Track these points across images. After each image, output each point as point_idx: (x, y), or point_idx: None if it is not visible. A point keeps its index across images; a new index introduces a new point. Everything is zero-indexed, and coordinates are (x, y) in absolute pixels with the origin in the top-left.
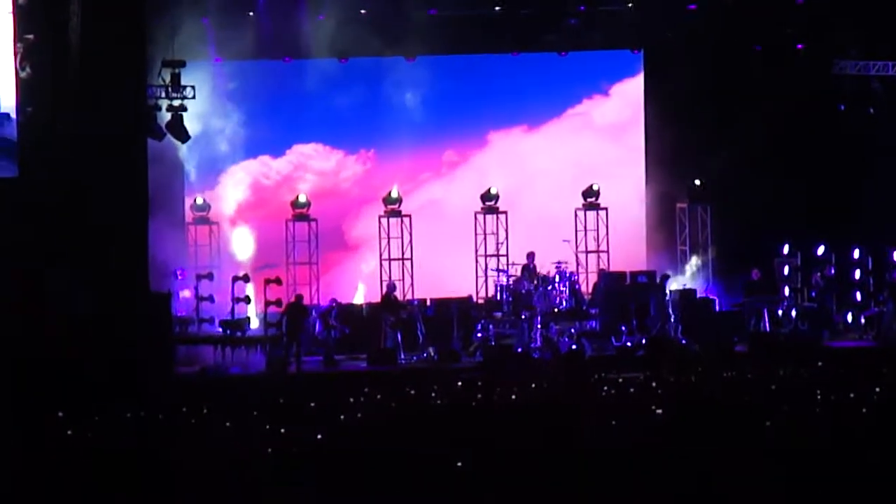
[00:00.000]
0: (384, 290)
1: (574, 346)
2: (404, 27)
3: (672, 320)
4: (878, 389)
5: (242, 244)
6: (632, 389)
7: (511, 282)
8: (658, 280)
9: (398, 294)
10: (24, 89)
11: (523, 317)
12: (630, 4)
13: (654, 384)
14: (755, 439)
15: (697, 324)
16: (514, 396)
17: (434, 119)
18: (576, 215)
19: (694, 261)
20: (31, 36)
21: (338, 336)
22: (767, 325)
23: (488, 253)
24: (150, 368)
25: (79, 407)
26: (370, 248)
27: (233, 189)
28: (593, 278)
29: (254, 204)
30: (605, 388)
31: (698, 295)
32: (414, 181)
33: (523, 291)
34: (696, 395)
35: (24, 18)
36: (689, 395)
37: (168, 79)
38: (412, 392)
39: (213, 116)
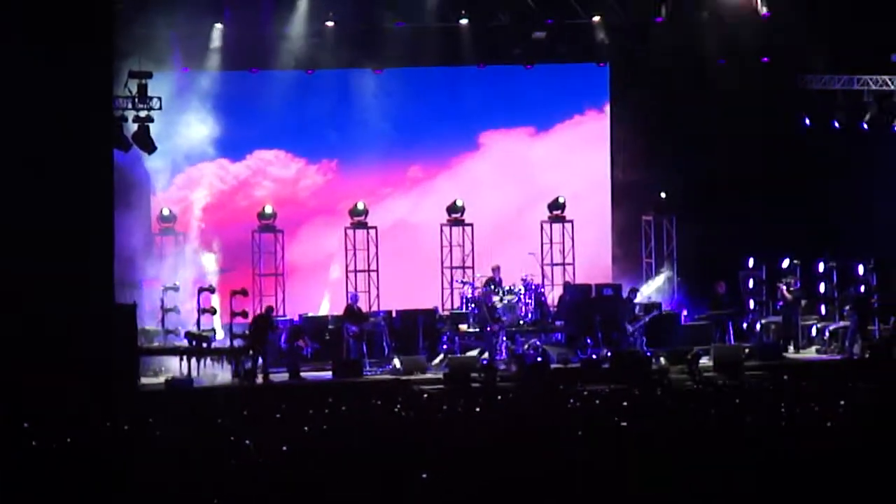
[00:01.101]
0: (348, 300)
1: (539, 359)
2: (371, 39)
3: (637, 333)
4: (842, 402)
5: (207, 255)
6: (597, 402)
7: (476, 294)
8: (626, 294)
9: (362, 305)
10: None
11: (489, 329)
12: (596, 18)
13: (619, 397)
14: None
15: (663, 337)
16: (478, 409)
17: (400, 131)
18: (541, 228)
19: (659, 274)
20: None
21: (309, 354)
22: (732, 338)
23: (454, 265)
24: (115, 380)
25: (42, 417)
26: (335, 259)
27: (188, 192)
28: (559, 291)
29: (213, 209)
30: (571, 400)
31: (664, 308)
32: (377, 195)
33: (489, 304)
34: (660, 408)
35: None
36: (655, 408)
37: (135, 90)
38: (377, 403)
39: (175, 120)
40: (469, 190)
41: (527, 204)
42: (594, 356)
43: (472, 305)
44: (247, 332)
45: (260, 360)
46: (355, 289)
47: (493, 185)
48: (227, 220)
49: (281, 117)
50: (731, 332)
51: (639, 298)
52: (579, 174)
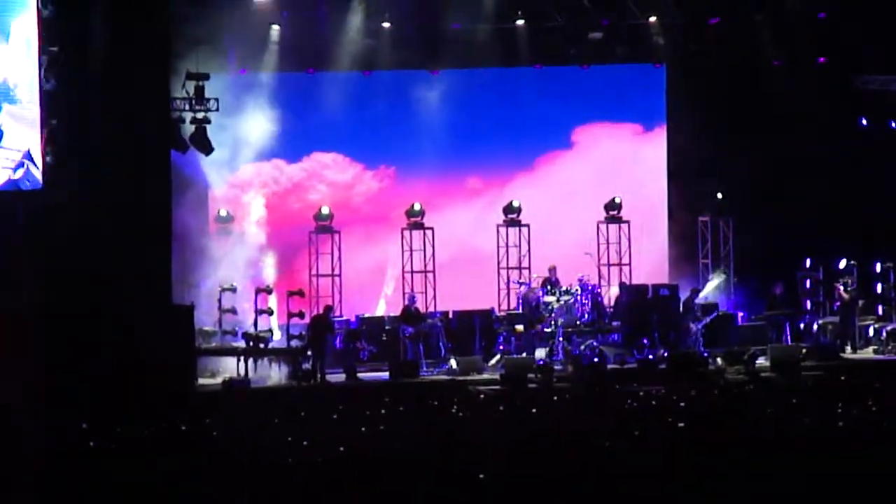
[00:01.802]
0: (404, 302)
1: (596, 359)
2: (428, 40)
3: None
4: None
5: (264, 255)
6: (653, 402)
7: (533, 295)
8: (688, 294)
9: (419, 306)
10: (49, 101)
11: (545, 329)
12: (653, 18)
13: (675, 398)
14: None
15: (720, 337)
16: (534, 410)
17: (456, 135)
18: (598, 228)
19: (716, 275)
20: (55, 48)
21: (366, 357)
22: (789, 338)
23: (510, 266)
24: (173, 380)
25: (102, 418)
26: (391, 260)
27: (244, 192)
28: (615, 291)
29: (268, 210)
30: (628, 400)
31: (720, 308)
32: (433, 203)
33: (533, 303)
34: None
35: (48, 30)
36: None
37: (192, 91)
38: (434, 404)
39: (232, 122)
40: (525, 190)
41: (583, 204)
42: (650, 357)
43: (529, 306)
44: (304, 332)
45: (318, 361)
46: (412, 289)
47: (549, 186)
48: (282, 220)
49: (338, 119)
50: (788, 332)
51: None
52: (636, 175)
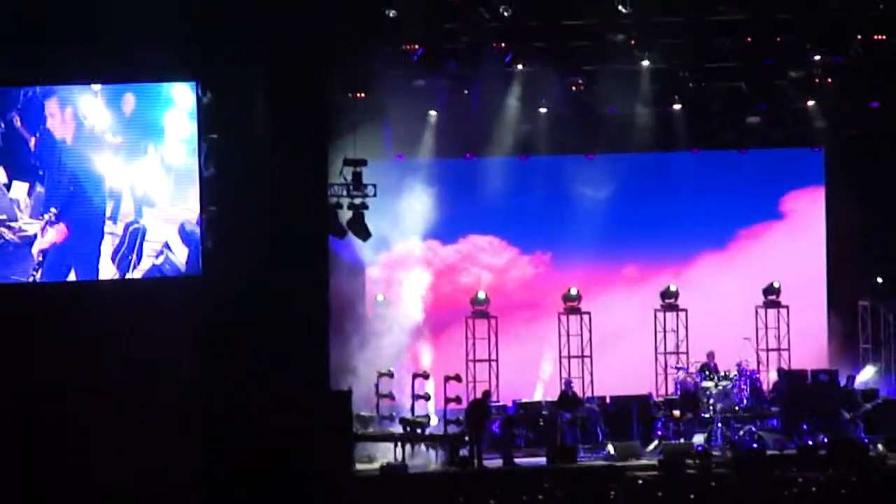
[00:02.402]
0: (561, 387)
1: (755, 445)
2: (584, 125)
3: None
4: None
5: (420, 341)
6: (813, 489)
7: (691, 380)
8: (843, 381)
9: (576, 391)
10: (208, 189)
11: (704, 415)
12: (811, 102)
13: (836, 484)
14: None
15: (881, 423)
16: (692, 496)
17: (613, 218)
18: (756, 313)
19: (874, 363)
20: (214, 135)
21: (523, 443)
22: None
23: (668, 350)
24: (331, 466)
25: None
26: (547, 346)
27: (396, 273)
28: (774, 377)
29: (422, 293)
30: (788, 486)
31: (881, 394)
32: (588, 290)
33: (703, 390)
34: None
35: (207, 118)
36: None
37: (349, 177)
38: (592, 490)
39: (388, 206)
40: (681, 274)
41: (741, 289)
42: (810, 443)
43: (687, 392)
44: (461, 417)
45: (475, 447)
46: (569, 374)
47: (706, 270)
48: (437, 304)
49: (495, 203)
50: None
51: (855, 385)
52: (794, 259)
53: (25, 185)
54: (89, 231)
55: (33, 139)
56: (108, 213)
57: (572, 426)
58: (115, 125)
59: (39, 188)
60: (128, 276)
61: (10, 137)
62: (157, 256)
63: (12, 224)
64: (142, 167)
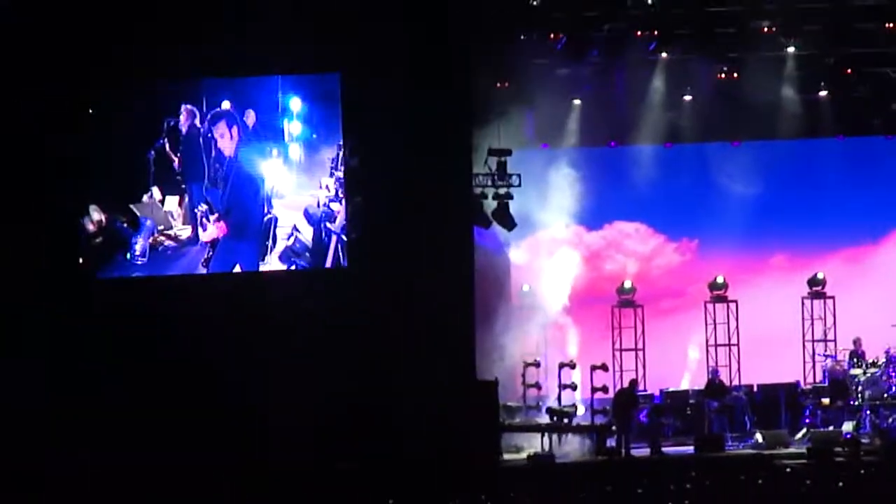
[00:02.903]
0: (708, 375)
1: None
2: (728, 112)
3: None
4: None
5: (567, 329)
6: None
7: (839, 367)
8: None
9: (723, 379)
10: (352, 178)
11: (852, 403)
12: None
13: None
14: None
15: None
16: (841, 484)
17: (759, 206)
18: None
19: None
20: (357, 126)
21: (670, 432)
22: None
23: (815, 338)
24: (478, 456)
25: (408, 494)
26: (694, 334)
27: (541, 260)
28: None
29: (567, 281)
30: None
31: None
32: (735, 278)
33: (851, 377)
34: None
35: (348, 111)
36: None
37: (494, 167)
38: (741, 478)
39: (533, 196)
40: (829, 262)
41: (888, 275)
42: None
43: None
44: (609, 407)
45: (622, 436)
46: (716, 363)
47: (854, 258)
48: (583, 293)
49: (640, 191)
50: None
51: None
52: None
53: (176, 198)
54: (246, 227)
55: (177, 160)
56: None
57: (720, 414)
58: (244, 137)
59: (187, 199)
60: (267, 257)
61: (160, 162)
62: (287, 238)
63: (169, 232)
64: (269, 167)
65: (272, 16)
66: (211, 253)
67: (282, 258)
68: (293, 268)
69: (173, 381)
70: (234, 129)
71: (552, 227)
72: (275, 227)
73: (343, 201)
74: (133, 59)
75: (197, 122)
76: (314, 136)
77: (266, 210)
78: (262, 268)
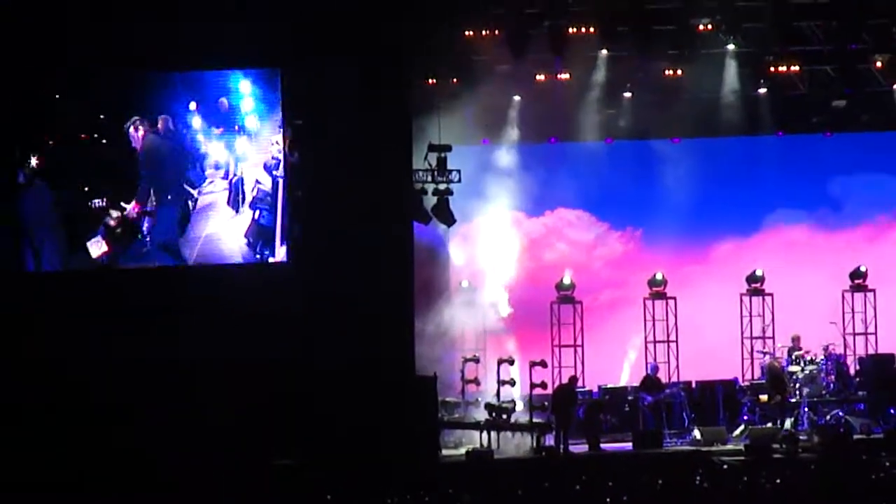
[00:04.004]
0: (647, 370)
1: (841, 430)
2: (668, 109)
3: None
4: None
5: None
6: None
7: (764, 362)
8: None
9: (662, 376)
10: (293, 174)
11: (790, 399)
12: None
13: None
14: None
15: None
16: (778, 481)
17: (700, 204)
18: (843, 297)
19: None
20: (299, 121)
21: (607, 428)
22: None
23: (754, 335)
24: (417, 452)
25: (346, 489)
26: (634, 330)
27: (481, 251)
28: (860, 361)
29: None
30: (875, 471)
31: None
32: (676, 271)
33: (789, 374)
34: None
35: (291, 104)
36: None
37: (434, 163)
38: (677, 475)
39: (474, 192)
40: (768, 259)
41: (827, 273)
42: None
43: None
44: (548, 403)
45: (561, 432)
46: (654, 359)
47: (792, 255)
48: (523, 288)
49: (582, 184)
50: None
51: None
52: (880, 242)
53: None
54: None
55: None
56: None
57: (654, 411)
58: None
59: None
60: (241, 208)
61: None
62: (252, 190)
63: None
64: (237, 142)
65: (214, 10)
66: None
67: (251, 206)
68: (260, 216)
69: (101, 376)
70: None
71: (492, 222)
72: (242, 185)
73: (282, 192)
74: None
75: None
76: (259, 125)
77: (233, 174)
78: (237, 218)
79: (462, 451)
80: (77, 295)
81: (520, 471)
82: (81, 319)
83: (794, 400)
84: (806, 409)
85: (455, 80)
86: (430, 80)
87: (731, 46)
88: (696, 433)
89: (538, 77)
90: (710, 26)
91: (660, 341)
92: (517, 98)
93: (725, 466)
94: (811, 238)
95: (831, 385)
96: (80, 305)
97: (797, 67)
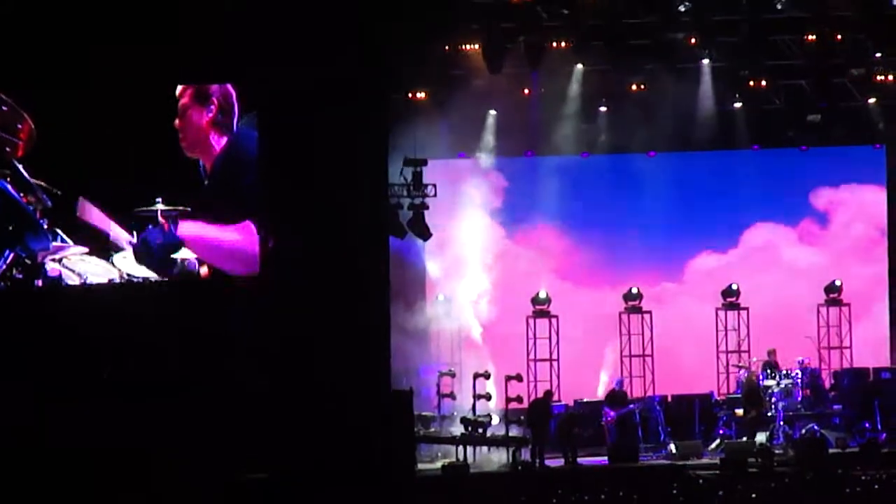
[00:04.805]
0: (614, 385)
1: (817, 444)
2: (644, 124)
3: None
4: None
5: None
6: (876, 487)
7: (741, 376)
8: None
9: (637, 390)
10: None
11: (766, 414)
12: (872, 100)
13: None
14: None
15: None
16: (754, 495)
17: (676, 215)
18: (818, 311)
19: None
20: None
21: (582, 442)
22: None
23: (729, 349)
24: (392, 466)
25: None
26: (610, 344)
27: (459, 267)
28: (836, 375)
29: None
30: (850, 484)
31: None
32: (650, 284)
33: (765, 388)
34: None
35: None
36: None
37: (410, 177)
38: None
39: (449, 205)
40: (743, 273)
41: (802, 287)
42: (873, 441)
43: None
44: (523, 417)
45: (537, 446)
46: (630, 373)
47: (768, 269)
48: (498, 301)
49: (557, 199)
50: None
51: None
52: (855, 256)
53: None
54: None
55: None
56: None
57: (620, 425)
58: None
59: None
60: None
61: None
62: None
63: None
64: None
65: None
66: None
67: None
68: None
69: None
70: None
71: (468, 236)
72: None
73: None
74: None
75: None
76: None
77: None
78: None
79: (438, 465)
80: None
81: (496, 485)
82: None
83: (769, 414)
84: (781, 423)
85: (431, 93)
86: (407, 94)
87: (706, 61)
88: (672, 447)
89: (514, 91)
90: (685, 40)
91: (635, 355)
92: (493, 112)
93: (701, 480)
94: (787, 252)
95: (807, 399)
96: None
97: (765, 83)
